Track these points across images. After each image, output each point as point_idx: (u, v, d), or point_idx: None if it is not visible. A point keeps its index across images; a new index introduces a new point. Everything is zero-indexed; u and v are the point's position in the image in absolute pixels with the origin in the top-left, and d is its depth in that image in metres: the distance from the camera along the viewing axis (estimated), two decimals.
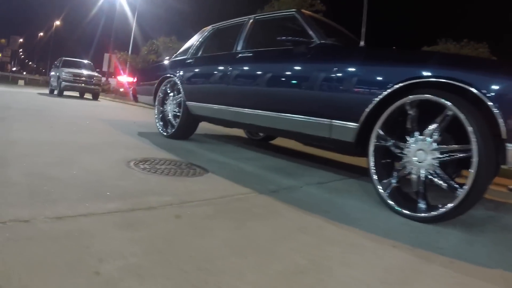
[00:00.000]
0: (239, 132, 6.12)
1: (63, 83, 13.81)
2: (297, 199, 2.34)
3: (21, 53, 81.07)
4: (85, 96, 16.15)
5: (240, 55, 3.92)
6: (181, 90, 4.54)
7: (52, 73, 16.00)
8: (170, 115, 4.81)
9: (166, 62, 5.35)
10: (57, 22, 55.50)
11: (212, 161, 3.40)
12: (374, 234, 1.83)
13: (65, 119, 5.71)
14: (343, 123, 2.64)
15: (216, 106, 4.06)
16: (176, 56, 5.08)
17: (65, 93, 14.67)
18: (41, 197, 1.81)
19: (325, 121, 2.76)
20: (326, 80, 2.80)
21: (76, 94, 16.11)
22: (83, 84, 14.51)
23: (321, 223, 1.93)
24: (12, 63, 66.77)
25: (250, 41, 4.04)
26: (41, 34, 67.04)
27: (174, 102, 4.78)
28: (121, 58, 24.34)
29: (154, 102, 5.12)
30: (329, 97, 2.75)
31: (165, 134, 4.75)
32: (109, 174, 2.46)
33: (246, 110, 3.63)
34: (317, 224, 1.91)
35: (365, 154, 2.51)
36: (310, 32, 3.23)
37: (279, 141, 5.62)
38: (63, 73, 13.91)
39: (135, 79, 5.85)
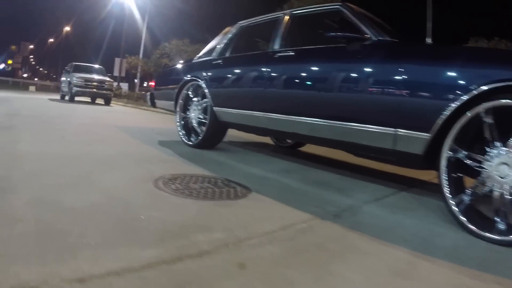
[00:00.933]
0: (263, 139, 5.62)
1: (74, 89, 13.44)
2: (365, 224, 1.96)
3: (31, 60, 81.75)
4: (96, 101, 15.80)
5: (278, 54, 3.43)
6: (208, 94, 4.06)
7: (63, 78, 15.68)
8: (194, 122, 4.33)
9: (187, 64, 4.88)
10: (67, 28, 55.67)
11: (249, 176, 2.92)
12: (475, 270, 1.48)
13: (77, 127, 5.26)
14: (411, 133, 2.25)
15: (249, 113, 3.58)
16: (200, 57, 4.59)
17: (76, 98, 14.31)
18: (54, 242, 1.33)
19: (389, 130, 2.36)
20: (391, 83, 2.38)
21: (88, 99, 15.77)
22: (94, 89, 14.13)
23: (410, 258, 1.56)
24: (23, 69, 67.30)
25: (289, 39, 3.56)
26: (51, 40, 67.28)
27: (199, 107, 4.30)
28: (132, 62, 24.04)
29: (175, 108, 4.65)
30: (394, 103, 2.34)
31: (189, 143, 4.27)
32: (137, 200, 1.98)
33: (288, 117, 3.15)
34: (407, 260, 1.53)
35: (433, 167, 2.22)
36: (364, 28, 2.77)
37: (307, 148, 5.11)
38: (74, 78, 13.55)
39: (153, 83, 5.37)
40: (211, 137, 4.14)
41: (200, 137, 4.14)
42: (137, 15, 24.23)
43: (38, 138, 3.73)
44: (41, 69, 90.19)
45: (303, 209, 2.09)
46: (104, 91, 14.44)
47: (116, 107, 14.26)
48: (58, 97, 16.31)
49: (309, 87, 3.04)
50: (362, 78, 2.62)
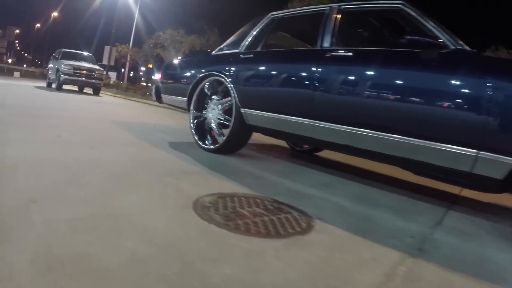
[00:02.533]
0: (274, 141, 5.09)
1: (63, 77, 12.59)
2: (454, 259, 1.72)
3: (17, 45, 79.21)
4: (84, 91, 14.96)
5: (331, 53, 2.91)
6: (233, 93, 3.48)
7: (51, 65, 14.77)
8: (212, 123, 3.75)
9: (205, 56, 4.29)
10: (55, 13, 53.88)
11: (294, 193, 2.46)
12: None
13: (72, 121, 4.60)
14: (495, 157, 2.03)
15: (289, 118, 3.05)
16: (221, 50, 3.99)
17: (64, 87, 13.46)
18: None
19: (470, 152, 2.11)
20: (477, 99, 2.12)
21: (75, 88, 14.90)
22: (83, 78, 13.30)
23: None
24: (8, 54, 65.05)
25: (340, 37, 3.05)
26: (38, 25, 65.15)
27: (219, 107, 3.72)
28: (122, 51, 23.17)
29: (188, 105, 4.05)
30: (479, 122, 2.08)
31: (204, 146, 3.71)
32: (193, 247, 1.41)
33: (343, 128, 2.69)
34: None
35: (509, 190, 2.19)
36: (438, 33, 2.44)
37: (323, 153, 4.69)
38: (62, 66, 12.70)
39: (160, 76, 4.75)
40: (233, 142, 3.59)
41: (220, 142, 3.57)
42: (130, 2, 23.30)
43: (29, 138, 3.09)
44: (26, 55, 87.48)
45: (383, 242, 1.78)
46: (93, 80, 13.64)
47: (106, 97, 13.50)
48: (44, 84, 15.41)
49: (374, 95, 2.57)
50: (443, 91, 2.29)
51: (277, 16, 3.67)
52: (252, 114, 3.35)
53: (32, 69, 40.62)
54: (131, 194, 1.96)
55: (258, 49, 3.61)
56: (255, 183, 2.61)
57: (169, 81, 4.54)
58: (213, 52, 4.06)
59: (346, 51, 2.85)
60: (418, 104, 2.35)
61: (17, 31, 62.00)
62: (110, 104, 9.69)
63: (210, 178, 2.58)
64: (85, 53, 15.55)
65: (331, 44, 3.00)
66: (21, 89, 10.65)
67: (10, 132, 3.21)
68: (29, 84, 15.07)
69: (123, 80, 25.44)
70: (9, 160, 2.26)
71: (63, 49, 14.57)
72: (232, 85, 3.49)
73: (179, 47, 17.08)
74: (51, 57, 15.44)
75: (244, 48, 3.68)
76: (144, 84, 36.23)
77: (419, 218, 2.33)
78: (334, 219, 2.03)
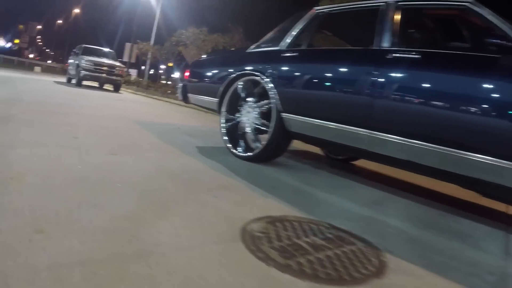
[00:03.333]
0: (307, 146, 4.62)
1: (83, 72, 12.36)
2: None
3: (38, 40, 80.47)
4: (104, 87, 14.74)
5: (393, 55, 2.48)
6: (274, 95, 3.06)
7: (71, 60, 14.58)
8: (247, 128, 3.33)
9: (239, 53, 3.88)
10: (77, 10, 54.44)
11: (350, 216, 2.12)
12: None
13: (90, 120, 4.24)
14: None
15: (342, 127, 2.63)
16: (258, 47, 3.56)
17: (84, 82, 13.23)
18: None
19: None
20: None
21: (95, 84, 14.69)
22: (104, 74, 13.04)
23: None
24: (30, 49, 66.07)
25: (401, 37, 2.62)
26: (60, 21, 65.97)
27: (256, 110, 3.30)
28: (143, 48, 22.99)
29: (218, 107, 3.65)
30: None
31: (237, 153, 3.31)
32: None
33: (404, 141, 2.29)
34: None
35: None
36: None
37: (360, 162, 4.26)
38: (83, 61, 12.47)
39: (186, 74, 4.35)
40: (271, 150, 3.16)
41: (256, 149, 3.14)
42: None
43: (42, 139, 2.71)
44: (47, 50, 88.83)
45: (465, 282, 1.50)
46: (114, 77, 13.36)
47: (126, 94, 13.25)
48: (64, 80, 15.25)
49: (447, 106, 2.17)
50: None
51: (323, 12, 3.24)
52: (296, 120, 2.92)
53: (53, 64, 40.93)
54: (162, 219, 1.54)
55: (303, 47, 3.17)
56: (302, 200, 2.23)
57: (198, 80, 4.14)
58: (249, 50, 3.63)
59: (412, 52, 2.40)
60: (501, 119, 1.94)
61: (39, 26, 62.89)
62: (131, 102, 9.38)
63: (252, 195, 2.16)
64: (106, 49, 15.35)
65: (392, 44, 2.58)
66: (40, 84, 10.43)
67: (21, 131, 2.84)
68: (49, 79, 14.93)
69: (143, 78, 25.33)
70: (14, 168, 1.88)
71: (84, 45, 14.37)
72: (272, 87, 3.07)
73: (201, 45, 16.72)
74: (72, 53, 15.27)
75: (285, 46, 3.25)
76: (165, 82, 36.23)
77: (486, 246, 2.07)
78: (404, 251, 1.71)
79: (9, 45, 61.08)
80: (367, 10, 2.93)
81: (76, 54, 13.76)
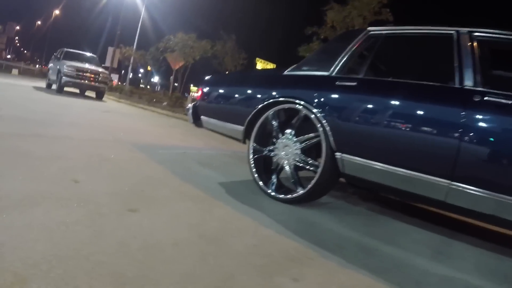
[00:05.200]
0: None
1: (64, 78, 11.51)
2: None
3: (16, 41, 77.77)
4: (86, 93, 13.85)
5: (484, 97, 2.06)
6: (325, 130, 2.50)
7: (51, 65, 13.69)
8: (285, 164, 2.75)
9: (272, 75, 3.32)
10: (57, 11, 52.69)
11: (435, 280, 1.73)
12: None
13: (86, 147, 3.56)
14: None
15: (413, 175, 2.18)
16: (298, 69, 2.99)
17: (65, 89, 12.34)
18: None
19: None
20: None
21: (77, 90, 13.77)
22: (87, 81, 12.21)
23: None
24: (7, 50, 63.58)
25: (483, 73, 2.21)
26: (39, 22, 63.79)
27: (297, 145, 2.73)
28: (126, 53, 22.17)
29: (243, 136, 3.07)
30: None
31: (276, 196, 2.74)
32: None
33: (498, 196, 1.92)
34: None
35: None
36: None
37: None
38: (64, 67, 11.61)
39: (199, 94, 3.72)
40: (317, 193, 2.67)
41: (299, 191, 2.58)
42: (137, 2, 22.29)
43: (29, 190, 2.02)
44: (25, 51, 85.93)
45: None
46: (98, 84, 12.53)
47: (110, 103, 12.47)
48: (43, 84, 14.29)
49: None
50: None
51: (378, 34, 2.72)
52: (354, 162, 2.39)
53: (31, 67, 39.17)
54: None
55: (361, 75, 2.63)
56: (379, 263, 1.86)
57: (215, 101, 3.53)
58: (287, 72, 3.04)
59: (506, 97, 1.98)
60: None
61: (18, 27, 60.70)
62: (120, 115, 8.63)
63: (330, 267, 1.69)
64: (89, 54, 14.48)
65: (475, 83, 2.16)
66: (19, 92, 9.57)
67: (0, 176, 2.15)
68: (28, 84, 13.94)
69: (124, 83, 24.44)
70: None
71: (66, 49, 13.48)
72: (323, 121, 2.51)
73: (189, 52, 16.05)
74: (52, 57, 14.34)
75: (336, 71, 2.69)
76: (143, 86, 35.18)
77: None
78: None
79: None
80: (435, 37, 2.50)
81: (57, 59, 12.91)
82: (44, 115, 5.48)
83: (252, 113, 2.96)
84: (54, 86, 12.57)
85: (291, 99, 2.74)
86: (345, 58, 2.72)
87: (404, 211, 3.28)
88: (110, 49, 21.52)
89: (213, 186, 2.86)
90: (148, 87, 36.77)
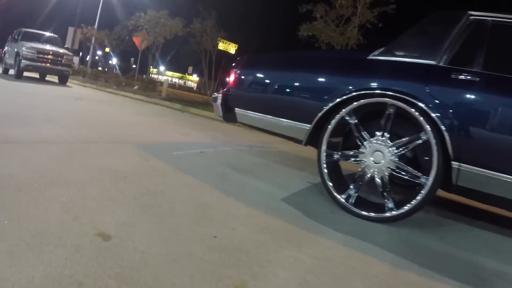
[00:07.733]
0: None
1: (24, 62, 10.15)
2: None
3: None
4: (47, 78, 12.42)
5: None
6: (442, 134, 1.93)
7: (8, 48, 12.15)
8: (376, 175, 2.01)
9: (349, 56, 2.54)
10: None
11: None
12: None
13: (71, 151, 2.64)
14: None
15: None
16: (388, 53, 2.22)
17: (25, 73, 10.91)
18: None
19: None
20: None
21: (36, 75, 12.30)
22: (49, 64, 10.85)
23: None
24: None
25: None
26: None
27: (392, 150, 1.97)
28: (87, 33, 20.49)
29: (309, 137, 2.29)
30: None
31: (363, 214, 2.14)
32: None
33: None
34: None
35: None
36: None
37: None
38: (23, 49, 10.23)
39: (231, 79, 2.87)
40: (417, 209, 1.92)
41: (408, 206, 1.87)
42: None
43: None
44: None
45: None
46: (61, 67, 11.16)
47: (77, 88, 11.23)
48: None
49: None
50: None
51: (482, 19, 2.10)
52: (477, 173, 1.87)
53: None
54: None
55: (477, 69, 1.91)
56: None
57: (258, 89, 2.69)
58: (372, 56, 2.25)
59: None
60: None
61: None
62: (95, 102, 7.56)
63: None
64: (50, 34, 12.95)
65: None
66: None
67: None
68: None
69: (84, 65, 22.77)
70: None
71: (24, 29, 11.95)
72: (439, 121, 1.93)
73: (160, 31, 14.78)
74: (9, 38, 12.73)
75: (444, 60, 1.98)
76: (106, 69, 33.21)
77: None
78: None
79: None
80: None
81: (15, 40, 11.46)
82: (7, 107, 4.40)
83: (327, 107, 2.17)
84: (12, 71, 11.12)
85: (387, 93, 1.99)
86: (452, 46, 2.12)
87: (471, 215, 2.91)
88: (71, 29, 19.77)
89: (282, 207, 2.16)
90: (106, 69, 34.71)
